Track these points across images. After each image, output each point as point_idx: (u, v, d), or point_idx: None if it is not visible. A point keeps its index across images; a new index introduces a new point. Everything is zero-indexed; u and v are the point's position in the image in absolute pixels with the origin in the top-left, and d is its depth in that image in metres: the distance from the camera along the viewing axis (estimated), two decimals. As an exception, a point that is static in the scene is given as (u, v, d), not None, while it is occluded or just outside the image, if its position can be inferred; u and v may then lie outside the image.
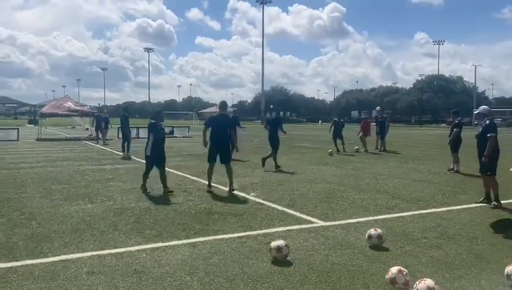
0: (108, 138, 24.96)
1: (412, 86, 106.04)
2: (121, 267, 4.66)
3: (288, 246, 4.94)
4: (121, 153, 16.92)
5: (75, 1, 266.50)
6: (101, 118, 25.21)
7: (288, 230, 6.19)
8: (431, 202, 8.27)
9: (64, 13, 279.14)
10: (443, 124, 65.44)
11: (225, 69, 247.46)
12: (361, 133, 19.88)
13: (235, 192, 9.01)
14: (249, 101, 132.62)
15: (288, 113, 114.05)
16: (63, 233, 5.97)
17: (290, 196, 8.73)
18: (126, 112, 18.35)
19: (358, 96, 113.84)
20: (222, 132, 9.01)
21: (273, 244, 4.94)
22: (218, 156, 9.07)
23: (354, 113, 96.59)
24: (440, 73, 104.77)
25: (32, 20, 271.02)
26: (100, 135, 24.75)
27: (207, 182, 9.20)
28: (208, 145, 9.14)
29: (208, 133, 9.14)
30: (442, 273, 4.58)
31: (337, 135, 18.73)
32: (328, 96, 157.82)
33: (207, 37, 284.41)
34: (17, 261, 4.84)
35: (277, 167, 12.79)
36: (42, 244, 5.47)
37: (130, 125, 17.96)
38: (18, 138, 26.76)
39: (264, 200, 8.28)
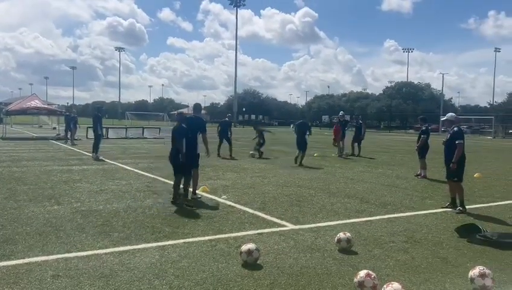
0: (76, 138, 24.44)
1: (381, 92, 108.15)
2: (87, 271, 4.56)
3: (258, 250, 4.95)
4: (91, 154, 16.58)
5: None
6: (69, 117, 24.77)
7: (258, 233, 6.20)
8: (399, 206, 8.44)
9: (32, 9, 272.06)
10: (411, 130, 66.92)
11: (197, 70, 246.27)
12: (333, 137, 20.04)
13: (206, 194, 8.96)
14: (222, 103, 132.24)
15: (261, 116, 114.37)
16: (28, 235, 5.79)
17: (261, 199, 8.74)
18: (99, 112, 17.98)
19: (330, 101, 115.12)
20: (191, 134, 8.66)
21: (244, 247, 4.93)
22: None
23: (325, 118, 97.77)
24: (409, 80, 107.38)
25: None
26: (69, 135, 24.27)
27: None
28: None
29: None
30: (409, 276, 4.68)
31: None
32: (300, 101, 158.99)
33: (179, 37, 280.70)
34: (-22, 264, 4.67)
35: (300, 164, 14.73)
36: (5, 246, 5.29)
37: (102, 126, 17.75)
38: (-19, 136, 25.85)
39: (235, 203, 8.26)
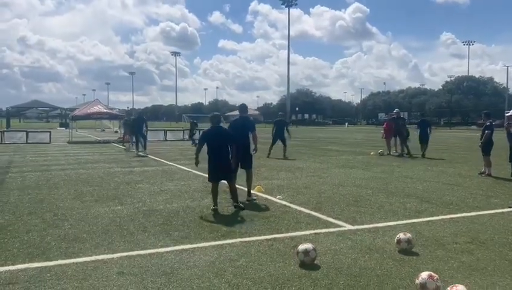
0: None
1: (440, 87, 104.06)
2: (150, 268, 4.74)
3: (315, 250, 4.92)
4: (146, 156, 17.95)
5: (100, 6, 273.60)
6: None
7: (315, 233, 6.16)
8: (462, 206, 8.09)
9: (91, 18, 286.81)
10: (473, 126, 63.84)
11: (249, 71, 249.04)
12: (384, 135, 19.42)
13: (261, 194, 9.01)
14: (274, 103, 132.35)
15: (314, 115, 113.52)
16: (94, 234, 6.11)
17: (316, 199, 8.68)
18: (143, 116, 21.01)
19: (386, 98, 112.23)
20: (243, 135, 8.51)
21: (301, 247, 4.92)
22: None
23: (381, 115, 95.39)
24: (469, 74, 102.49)
25: (60, 26, 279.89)
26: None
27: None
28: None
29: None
30: (474, 279, 4.47)
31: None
32: (355, 98, 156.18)
33: (230, 40, 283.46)
34: (50, 261, 4.98)
35: (423, 155, 17.34)
36: (74, 244, 5.60)
37: (148, 127, 20.01)
38: (50, 140, 27.53)
39: (290, 203, 8.26)
